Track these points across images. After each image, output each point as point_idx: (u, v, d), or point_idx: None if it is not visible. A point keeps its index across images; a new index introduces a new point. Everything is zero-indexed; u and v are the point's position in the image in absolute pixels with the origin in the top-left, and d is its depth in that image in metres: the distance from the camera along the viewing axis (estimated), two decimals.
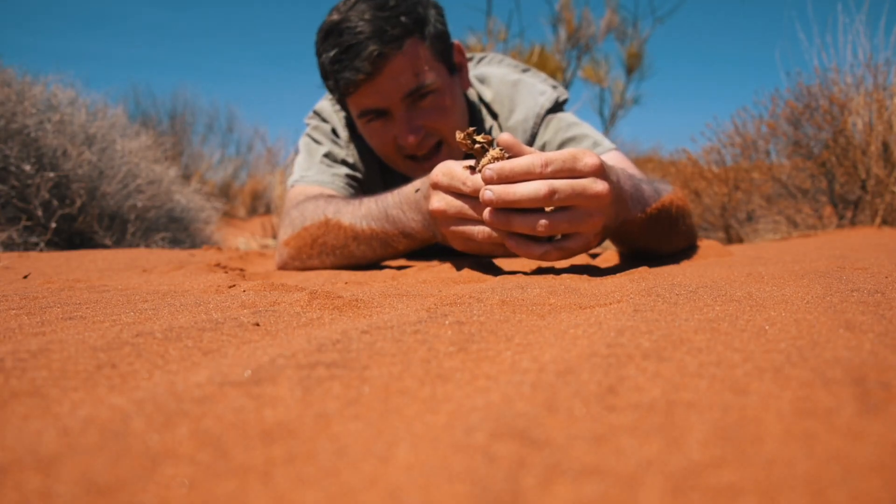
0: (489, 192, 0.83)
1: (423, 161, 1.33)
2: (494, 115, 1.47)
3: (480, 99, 1.48)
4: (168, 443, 0.26)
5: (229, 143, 8.02)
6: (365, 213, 1.10)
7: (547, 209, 0.85)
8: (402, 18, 1.22)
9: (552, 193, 0.81)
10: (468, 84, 1.42)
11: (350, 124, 1.48)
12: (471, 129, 0.86)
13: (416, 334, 0.45)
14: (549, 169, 0.82)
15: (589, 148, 1.30)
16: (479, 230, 0.89)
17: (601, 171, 0.84)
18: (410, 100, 1.26)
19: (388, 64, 1.21)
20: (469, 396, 0.33)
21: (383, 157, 1.38)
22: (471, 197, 0.89)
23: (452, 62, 1.35)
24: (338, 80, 1.24)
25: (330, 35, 1.24)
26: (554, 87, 1.48)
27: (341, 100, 1.32)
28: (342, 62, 1.22)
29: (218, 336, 0.47)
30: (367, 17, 1.20)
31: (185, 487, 0.22)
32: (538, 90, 1.44)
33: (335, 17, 1.24)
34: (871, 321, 0.46)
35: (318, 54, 1.29)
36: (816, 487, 0.21)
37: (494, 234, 0.88)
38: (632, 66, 7.03)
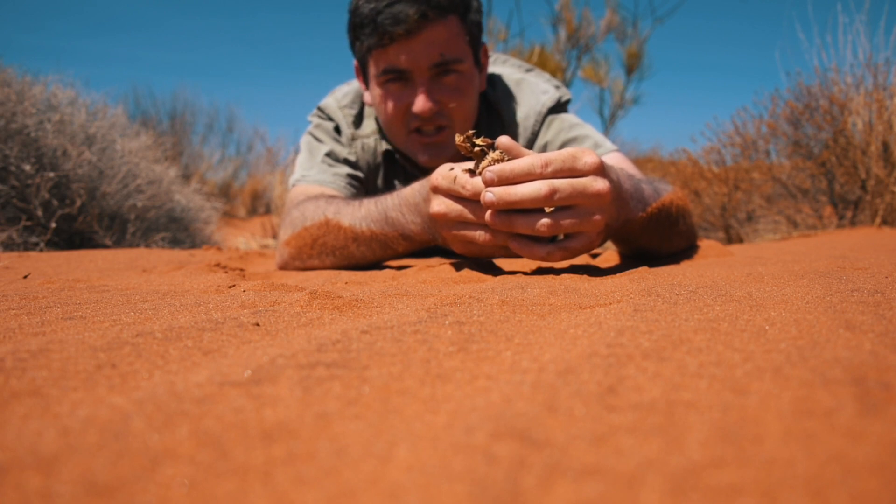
0: (490, 194, 0.83)
1: (425, 137, 1.34)
2: (498, 114, 1.47)
3: (485, 97, 1.49)
4: (168, 443, 0.26)
5: (229, 143, 8.05)
6: (364, 214, 1.10)
7: (548, 209, 0.84)
8: None
9: (553, 193, 0.81)
10: (485, 86, 1.44)
11: (355, 122, 1.48)
12: (470, 132, 0.86)
13: (416, 334, 0.45)
14: (549, 169, 0.82)
15: (590, 149, 1.31)
16: (480, 234, 0.89)
17: (601, 170, 0.84)
18: (436, 71, 1.28)
19: (429, 28, 1.23)
20: (469, 396, 0.33)
21: (387, 125, 1.38)
22: (471, 200, 0.88)
23: (479, 57, 1.37)
24: (376, 28, 1.24)
25: None
26: (557, 87, 1.49)
27: (365, 56, 1.32)
28: (383, 14, 1.23)
29: (218, 336, 0.47)
30: None
31: (185, 487, 0.22)
32: (541, 89, 1.45)
33: None
34: (871, 321, 0.46)
35: (355, 7, 1.28)
36: (816, 487, 0.21)
37: (495, 237, 0.88)
38: (632, 66, 7.03)
